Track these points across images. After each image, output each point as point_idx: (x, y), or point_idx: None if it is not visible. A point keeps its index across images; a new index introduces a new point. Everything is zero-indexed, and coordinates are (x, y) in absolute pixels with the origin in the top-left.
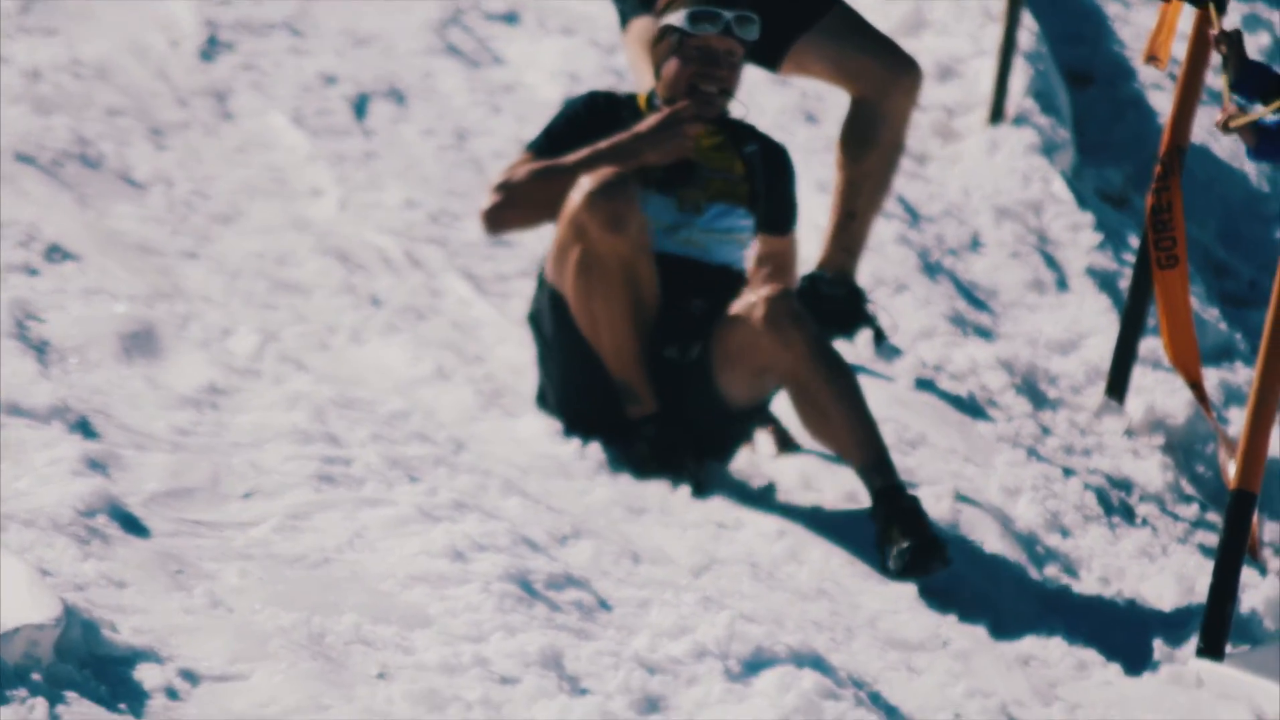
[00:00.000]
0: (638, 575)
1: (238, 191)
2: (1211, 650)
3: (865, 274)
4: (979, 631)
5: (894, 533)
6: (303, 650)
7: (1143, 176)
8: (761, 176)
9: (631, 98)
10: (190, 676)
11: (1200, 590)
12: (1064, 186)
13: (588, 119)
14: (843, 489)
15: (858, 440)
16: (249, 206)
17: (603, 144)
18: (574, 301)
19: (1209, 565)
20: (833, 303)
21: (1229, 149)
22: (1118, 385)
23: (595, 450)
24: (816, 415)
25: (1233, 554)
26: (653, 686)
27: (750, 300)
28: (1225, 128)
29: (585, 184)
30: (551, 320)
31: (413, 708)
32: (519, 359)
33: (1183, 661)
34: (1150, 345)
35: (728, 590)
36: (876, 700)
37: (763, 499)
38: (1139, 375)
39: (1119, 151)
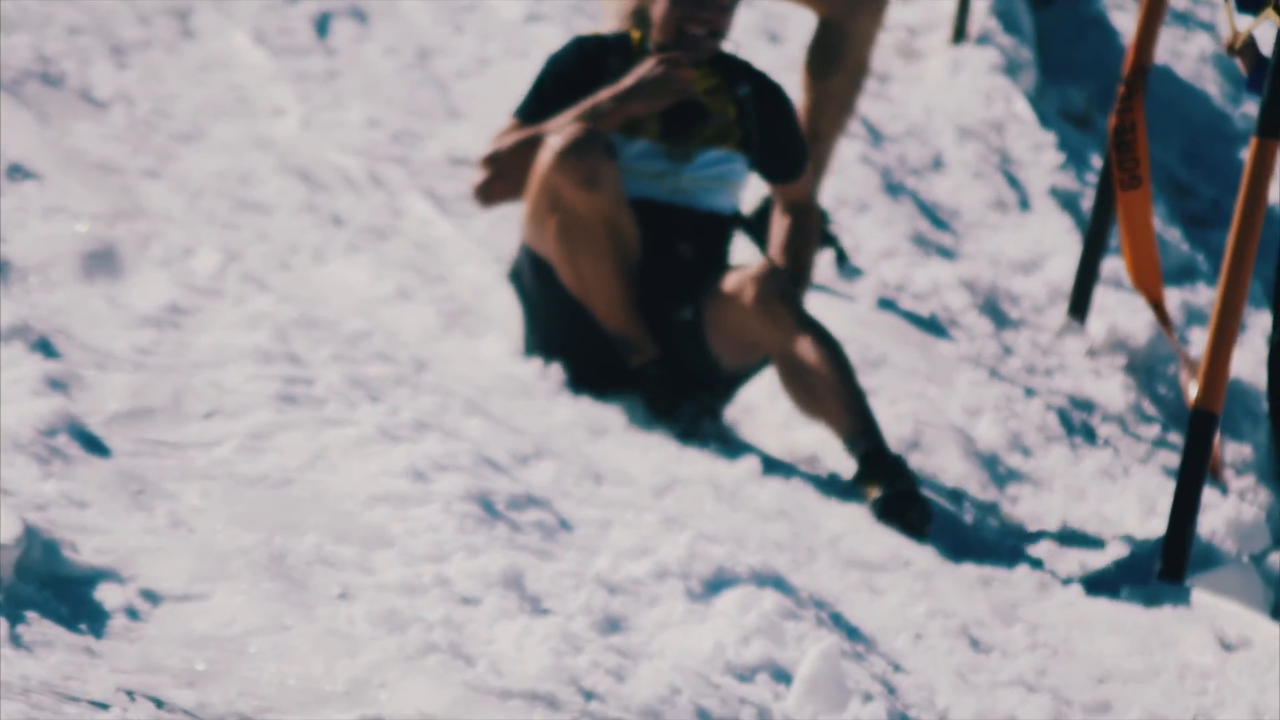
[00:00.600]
0: (599, 496)
1: (199, 110)
2: (1172, 571)
3: (827, 194)
4: (940, 552)
5: (876, 483)
6: (264, 570)
7: (1106, 97)
8: (755, 119)
9: (623, 38)
10: (151, 596)
11: (1162, 510)
12: (1026, 107)
13: (575, 73)
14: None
15: (846, 411)
16: (211, 125)
17: (587, 103)
18: (559, 263)
19: (1170, 486)
20: None
21: (1192, 69)
22: (1080, 305)
23: (556, 371)
24: (805, 392)
25: (1194, 475)
26: (614, 607)
27: (740, 279)
28: (1231, 50)
29: (554, 143)
30: (535, 281)
31: (374, 628)
32: (481, 279)
33: (1144, 582)
34: (1112, 266)
35: (689, 511)
36: (838, 620)
37: (728, 425)
38: (1101, 295)
39: (1082, 71)
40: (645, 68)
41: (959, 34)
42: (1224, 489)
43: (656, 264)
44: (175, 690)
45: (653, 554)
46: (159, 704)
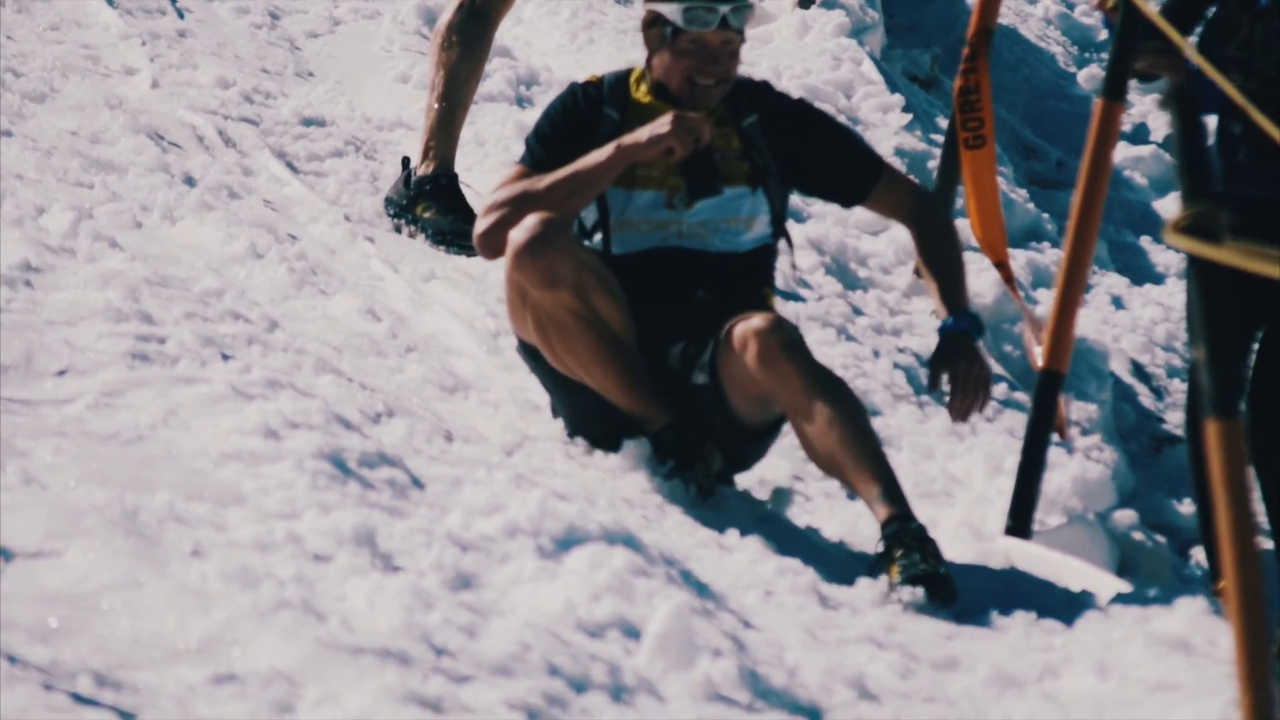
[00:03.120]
0: (450, 453)
1: (51, 69)
2: (1019, 528)
3: None
4: (790, 511)
5: (899, 553)
6: (116, 527)
7: (951, 58)
8: (766, 147)
9: (620, 81)
10: (3, 553)
11: (1008, 468)
12: (873, 68)
13: (573, 122)
14: None
15: (865, 472)
16: (62, 84)
17: (591, 159)
18: (546, 355)
19: (1017, 444)
20: None
21: (1037, 31)
22: None
23: (406, 329)
24: (821, 449)
25: (1040, 433)
26: (465, 564)
27: (744, 333)
28: (1102, 6)
29: (513, 240)
30: (537, 366)
31: (226, 585)
32: (332, 237)
33: (991, 539)
34: (958, 225)
35: (540, 468)
36: (688, 578)
37: None
38: None
39: (928, 33)
40: (651, 128)
41: None
42: (1069, 447)
43: (675, 310)
44: (28, 647)
45: (504, 511)
46: (12, 660)
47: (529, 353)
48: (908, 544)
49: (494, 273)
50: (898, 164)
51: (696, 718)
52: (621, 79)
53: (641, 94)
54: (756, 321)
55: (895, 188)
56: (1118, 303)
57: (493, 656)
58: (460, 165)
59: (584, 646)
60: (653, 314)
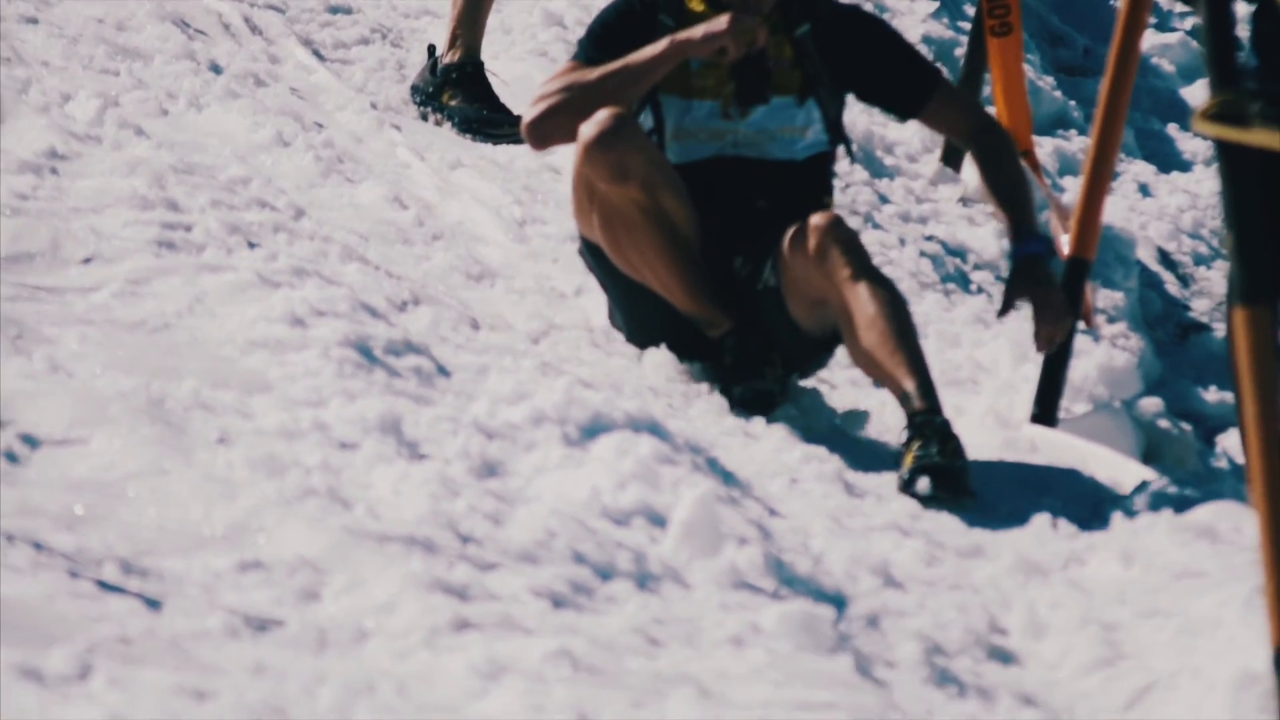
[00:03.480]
0: (476, 341)
1: None
2: (1045, 415)
3: None
4: (815, 397)
5: (918, 444)
6: (142, 415)
7: None
8: (818, 58)
9: None
10: (30, 441)
11: (1034, 356)
12: None
13: (628, 25)
14: None
15: (901, 367)
16: None
17: (644, 52)
18: (610, 254)
19: None
20: None
21: None
22: (953, 153)
23: (432, 217)
24: (863, 343)
25: None
26: (491, 452)
27: (802, 231)
28: None
29: (583, 134)
30: (598, 266)
31: (251, 472)
32: (359, 125)
33: (1016, 427)
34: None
35: (566, 356)
36: (713, 465)
37: None
38: None
39: None
40: (716, 22)
41: None
42: (1095, 335)
43: (734, 220)
44: (54, 534)
45: (529, 399)
46: (38, 547)
47: (591, 252)
48: (928, 435)
49: (520, 160)
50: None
51: (721, 605)
52: None
53: (695, 2)
54: (816, 219)
55: (952, 104)
56: (1145, 190)
57: (518, 544)
58: (486, 53)
59: (609, 534)
60: (714, 224)
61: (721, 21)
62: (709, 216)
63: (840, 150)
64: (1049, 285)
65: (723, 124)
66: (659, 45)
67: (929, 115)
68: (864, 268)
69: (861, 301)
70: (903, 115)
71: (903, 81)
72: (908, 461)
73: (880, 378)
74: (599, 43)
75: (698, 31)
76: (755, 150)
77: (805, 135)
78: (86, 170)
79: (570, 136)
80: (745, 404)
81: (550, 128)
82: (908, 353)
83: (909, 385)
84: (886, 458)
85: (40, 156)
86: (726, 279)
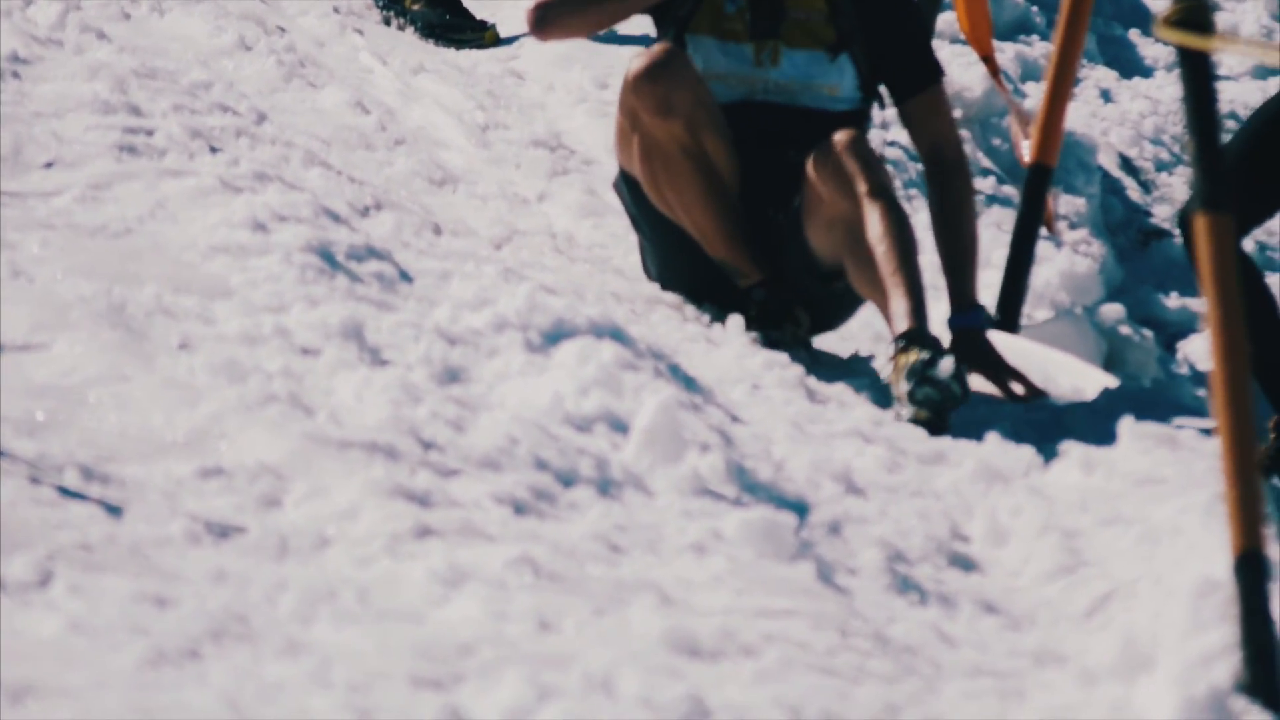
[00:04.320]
0: (439, 247)
1: None
2: (1007, 322)
3: None
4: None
5: (908, 359)
6: (103, 320)
7: None
8: (855, 17)
9: None
10: None
11: (996, 262)
12: None
13: None
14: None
15: (898, 286)
16: None
17: None
18: (647, 189)
19: (1005, 238)
20: None
21: None
22: None
23: (395, 122)
24: (860, 262)
25: (1028, 227)
26: (453, 358)
27: (826, 147)
28: None
29: (633, 65)
30: (633, 201)
31: (213, 378)
32: (321, 30)
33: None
34: (947, 18)
35: (528, 262)
36: (675, 372)
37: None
38: (935, 48)
39: None
40: None
41: None
42: (1058, 242)
43: (764, 166)
44: (15, 440)
45: (492, 305)
46: None
47: (628, 185)
48: (923, 344)
49: (483, 65)
50: None
51: (683, 511)
52: None
53: None
54: (840, 136)
55: (934, 115)
56: (1106, 96)
57: (480, 450)
58: None
59: (571, 440)
60: (745, 169)
61: None
62: (742, 159)
63: (875, 110)
64: (988, 363)
65: (753, 70)
66: None
67: (909, 111)
68: (880, 187)
69: (871, 220)
70: (893, 99)
71: (902, 65)
72: (901, 365)
73: (875, 294)
74: None
75: None
76: (786, 98)
77: (837, 91)
78: (48, 74)
79: (571, 35)
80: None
81: (551, 23)
82: (907, 274)
83: (906, 305)
84: (849, 365)
85: (2, 61)
86: (760, 227)
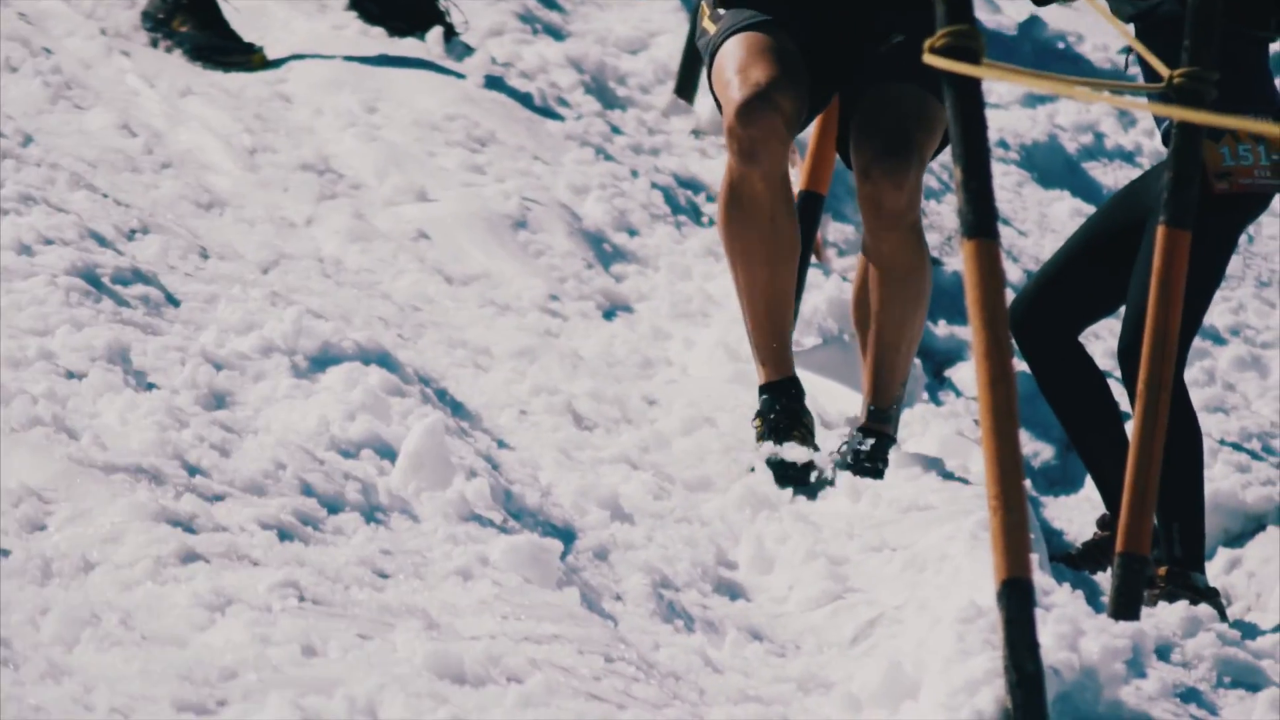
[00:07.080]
0: (206, 270)
1: None
2: None
3: None
4: (545, 327)
5: (858, 438)
6: None
7: None
8: None
9: None
10: None
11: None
12: None
13: None
14: (424, 211)
15: (890, 382)
16: None
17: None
18: (722, 237)
19: None
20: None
21: None
22: (686, 85)
23: (161, 145)
24: (867, 332)
25: (800, 254)
26: (219, 382)
27: (877, 235)
28: None
29: (734, 98)
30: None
31: None
32: (87, 52)
33: (746, 359)
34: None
35: (295, 286)
36: (442, 397)
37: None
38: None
39: None
40: None
41: None
42: (826, 269)
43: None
44: None
45: (258, 329)
46: None
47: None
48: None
49: (251, 88)
50: None
51: (449, 536)
52: None
53: None
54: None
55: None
56: None
57: (246, 474)
58: None
59: (338, 465)
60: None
61: None
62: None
63: None
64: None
65: None
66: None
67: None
68: (915, 253)
69: (895, 286)
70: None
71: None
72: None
73: (864, 368)
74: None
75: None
76: None
77: None
78: None
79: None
80: (774, 471)
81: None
82: (904, 363)
83: (886, 393)
84: (617, 393)
85: None
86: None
